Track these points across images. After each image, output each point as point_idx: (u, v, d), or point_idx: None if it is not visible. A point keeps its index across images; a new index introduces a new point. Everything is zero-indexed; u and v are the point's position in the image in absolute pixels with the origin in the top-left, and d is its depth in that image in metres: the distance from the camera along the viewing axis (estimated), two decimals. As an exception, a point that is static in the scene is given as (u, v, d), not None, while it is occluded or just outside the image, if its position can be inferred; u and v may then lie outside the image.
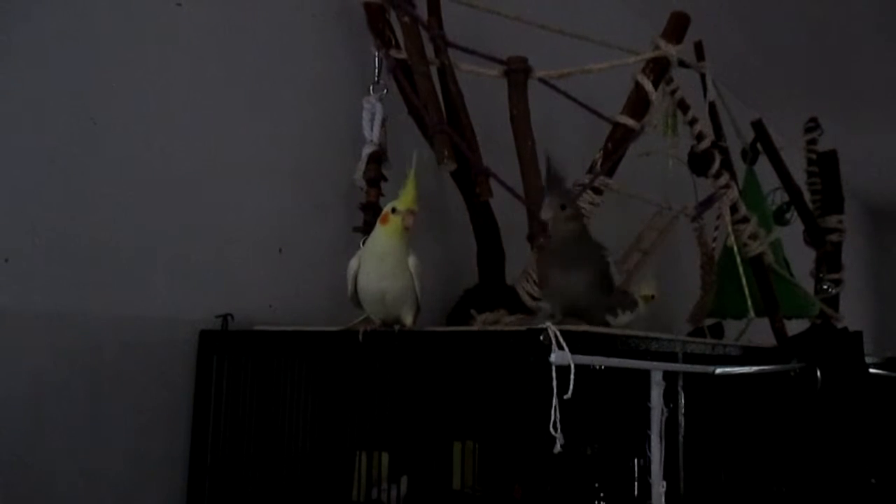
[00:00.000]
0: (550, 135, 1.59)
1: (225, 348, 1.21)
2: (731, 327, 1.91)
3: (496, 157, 1.38)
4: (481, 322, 1.21)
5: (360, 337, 1.07)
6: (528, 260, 1.39)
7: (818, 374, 1.52)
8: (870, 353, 1.80)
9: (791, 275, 1.98)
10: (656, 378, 1.07)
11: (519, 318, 1.23)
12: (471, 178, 1.40)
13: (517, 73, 1.39)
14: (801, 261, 2.26)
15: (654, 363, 1.08)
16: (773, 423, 1.49)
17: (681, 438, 1.15)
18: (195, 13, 1.27)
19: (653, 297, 1.42)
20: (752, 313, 1.69)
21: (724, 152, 1.85)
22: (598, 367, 0.97)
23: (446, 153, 1.25)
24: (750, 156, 2.13)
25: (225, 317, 1.23)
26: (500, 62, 1.40)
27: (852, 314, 2.52)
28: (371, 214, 1.32)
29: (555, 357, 0.86)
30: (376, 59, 1.42)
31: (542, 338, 0.88)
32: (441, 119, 1.31)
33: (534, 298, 1.33)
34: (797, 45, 2.82)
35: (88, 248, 1.10)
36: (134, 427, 1.14)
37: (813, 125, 2.30)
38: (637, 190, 1.61)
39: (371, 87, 1.40)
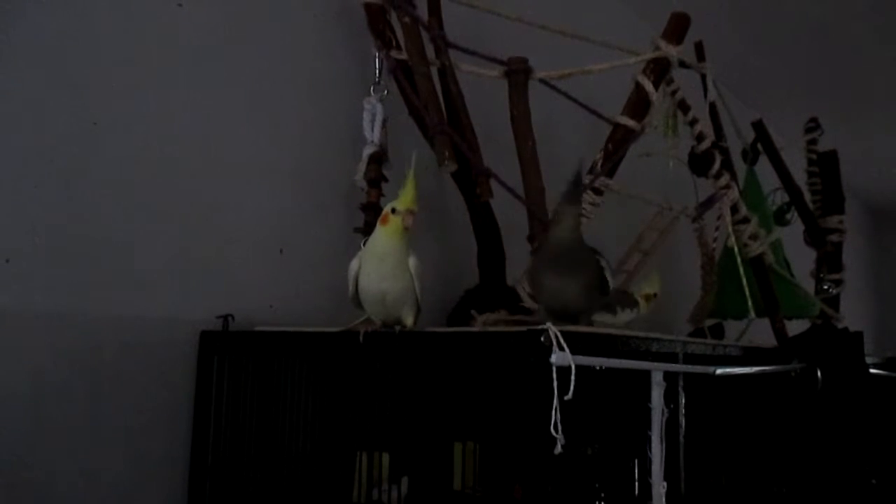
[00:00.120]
0: (551, 135, 1.59)
1: (225, 349, 1.21)
2: (732, 328, 1.91)
3: (496, 158, 1.38)
4: (482, 323, 1.21)
5: (361, 337, 1.07)
6: (528, 260, 1.39)
7: (819, 374, 1.52)
8: (870, 353, 1.80)
9: (791, 275, 1.98)
10: (657, 378, 1.07)
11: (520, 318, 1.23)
12: (471, 179, 1.40)
13: (518, 73, 1.39)
14: (802, 261, 2.26)
15: (655, 364, 1.08)
16: (774, 424, 1.49)
17: (681, 439, 1.15)
18: (195, 13, 1.27)
19: (655, 295, 1.41)
20: (752, 314, 1.69)
21: (725, 153, 1.85)
22: (598, 368, 0.96)
23: (447, 154, 1.25)
24: (750, 156, 2.13)
25: (225, 317, 1.23)
26: (501, 63, 1.40)
27: (853, 314, 2.52)
28: (372, 215, 1.32)
29: (555, 358, 0.86)
30: (377, 59, 1.42)
31: (542, 339, 0.88)
32: (441, 120, 1.31)
33: (535, 299, 1.33)
34: (797, 45, 2.82)
35: (88, 248, 1.10)
36: (134, 427, 1.14)
37: (813, 125, 2.30)
38: (638, 190, 1.61)
39: (372, 88, 1.40)
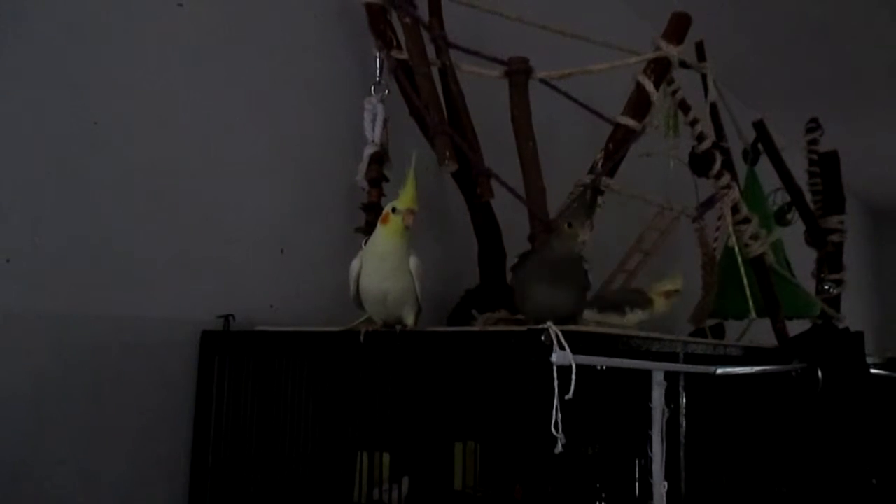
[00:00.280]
0: (551, 135, 1.59)
1: (226, 349, 1.21)
2: (733, 328, 1.91)
3: (497, 158, 1.38)
4: (482, 322, 1.21)
5: (362, 337, 1.07)
6: (512, 268, 1.39)
7: (819, 374, 1.52)
8: (871, 353, 1.80)
9: (792, 275, 1.97)
10: (657, 378, 1.07)
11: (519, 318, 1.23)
12: (472, 179, 1.40)
13: (518, 73, 1.39)
14: (803, 261, 2.26)
15: (656, 363, 1.07)
16: (775, 424, 1.49)
17: (682, 439, 1.15)
18: (196, 13, 1.27)
19: (677, 291, 1.39)
20: (753, 314, 1.68)
21: (726, 153, 1.85)
22: (599, 368, 0.96)
23: (447, 154, 1.25)
24: (751, 156, 2.13)
25: (226, 317, 1.23)
26: (502, 63, 1.40)
27: (853, 314, 2.52)
28: (372, 215, 1.32)
29: (556, 357, 0.86)
30: (377, 59, 1.43)
31: (543, 338, 0.88)
32: (442, 120, 1.31)
33: (519, 308, 1.32)
34: (798, 45, 2.82)
35: (89, 248, 1.10)
36: (135, 428, 1.14)
37: (814, 125, 2.30)
38: (638, 190, 1.61)
39: (372, 88, 1.41)
